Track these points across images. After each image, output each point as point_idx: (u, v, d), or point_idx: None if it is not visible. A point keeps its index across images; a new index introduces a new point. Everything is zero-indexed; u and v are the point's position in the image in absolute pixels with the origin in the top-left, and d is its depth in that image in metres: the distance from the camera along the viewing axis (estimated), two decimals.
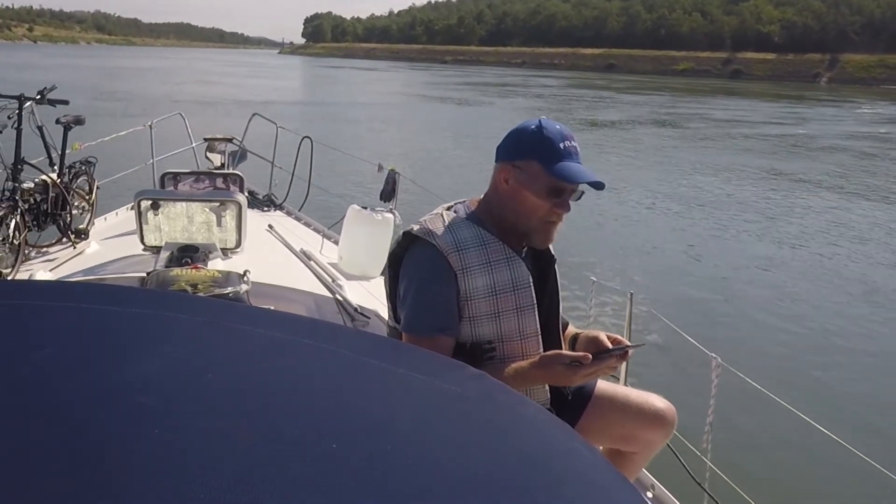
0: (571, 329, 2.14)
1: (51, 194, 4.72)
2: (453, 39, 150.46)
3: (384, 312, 2.30)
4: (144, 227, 3.95)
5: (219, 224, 4.01)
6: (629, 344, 1.90)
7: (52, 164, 5.01)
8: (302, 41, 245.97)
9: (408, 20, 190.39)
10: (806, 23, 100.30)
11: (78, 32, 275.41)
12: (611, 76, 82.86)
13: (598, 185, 1.87)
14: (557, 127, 1.89)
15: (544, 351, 1.92)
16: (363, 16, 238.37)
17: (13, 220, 4.33)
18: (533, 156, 1.86)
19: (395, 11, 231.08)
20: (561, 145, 1.85)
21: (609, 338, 1.92)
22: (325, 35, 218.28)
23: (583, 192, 1.92)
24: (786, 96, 53.19)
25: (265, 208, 5.78)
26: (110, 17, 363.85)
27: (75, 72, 40.86)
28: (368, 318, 3.33)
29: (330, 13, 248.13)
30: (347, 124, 23.07)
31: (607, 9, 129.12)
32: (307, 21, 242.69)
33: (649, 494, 2.59)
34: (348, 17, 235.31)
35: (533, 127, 1.89)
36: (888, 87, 74.34)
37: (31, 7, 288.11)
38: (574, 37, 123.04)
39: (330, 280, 3.85)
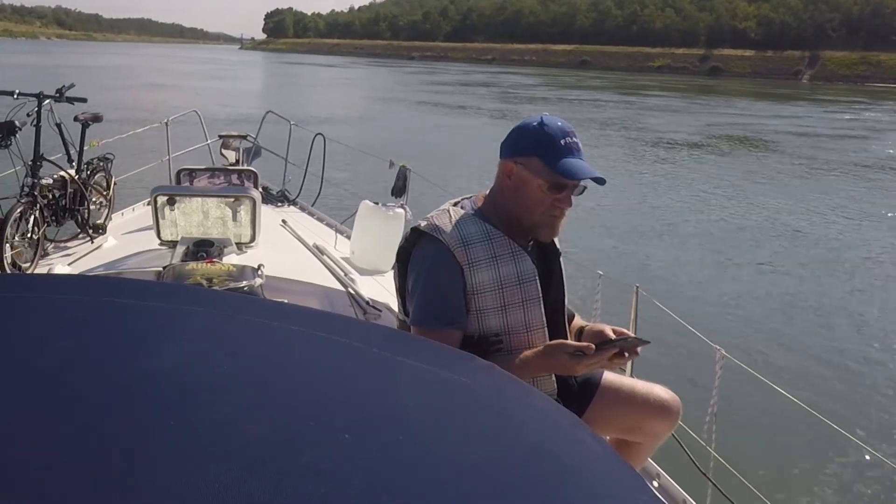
0: (578, 321, 2.17)
1: (69, 190, 4.79)
2: (418, 35, 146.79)
3: (395, 305, 2.34)
4: (161, 222, 3.99)
5: (234, 219, 4.03)
6: (631, 335, 1.94)
7: (70, 160, 5.08)
8: (262, 36, 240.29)
9: (370, 16, 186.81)
10: (783, 19, 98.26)
11: (38, 27, 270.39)
12: (587, 73, 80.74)
13: (599, 181, 1.89)
14: (559, 123, 1.91)
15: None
16: (323, 11, 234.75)
17: (32, 216, 4.39)
18: (534, 152, 1.89)
19: (356, 7, 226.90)
20: (562, 142, 1.88)
21: (614, 331, 1.96)
22: (286, 30, 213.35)
23: (585, 187, 1.94)
24: (773, 95, 51.82)
25: (279, 204, 5.84)
26: (71, 13, 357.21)
27: (17, 71, 38.14)
28: (380, 311, 3.36)
29: (291, 9, 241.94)
30: (348, 123, 22.96)
31: (576, 4, 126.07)
32: (268, 16, 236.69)
33: (655, 483, 2.62)
34: (309, 13, 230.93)
35: (535, 124, 1.91)
36: (873, 86, 72.44)
37: None
38: (542, 32, 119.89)
39: (342, 274, 3.88)
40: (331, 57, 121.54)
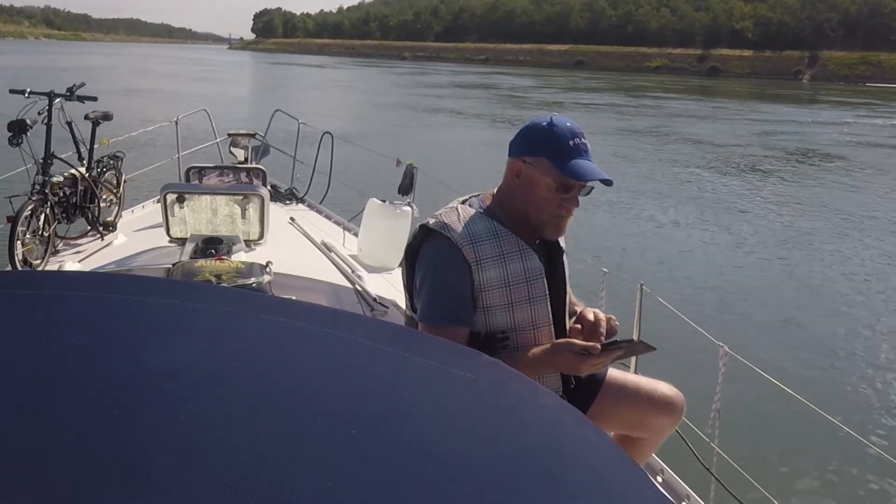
0: (572, 299, 2.18)
1: (80, 188, 4.84)
2: (409, 35, 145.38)
3: (402, 302, 2.36)
4: (170, 219, 4.02)
5: (242, 217, 4.06)
6: (636, 339, 1.97)
7: (80, 158, 5.12)
8: (250, 36, 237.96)
9: (360, 15, 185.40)
10: (780, 19, 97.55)
11: (27, 28, 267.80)
12: (583, 74, 79.36)
13: (607, 182, 1.91)
14: (568, 124, 1.92)
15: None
16: (312, 11, 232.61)
17: (43, 213, 4.44)
18: (543, 152, 1.90)
19: (345, 7, 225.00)
20: (571, 142, 1.89)
21: (608, 319, 2.00)
22: (275, 30, 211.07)
23: (592, 188, 1.95)
24: (777, 96, 51.23)
25: (287, 201, 5.87)
26: (60, 13, 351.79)
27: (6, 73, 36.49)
28: (387, 307, 3.38)
29: (279, 9, 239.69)
30: (346, 124, 22.86)
31: (570, 4, 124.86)
32: (257, 16, 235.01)
33: (659, 479, 2.63)
34: (298, 13, 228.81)
35: (544, 124, 1.92)
36: (874, 86, 71.56)
37: None
38: (536, 33, 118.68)
39: (350, 271, 3.91)
40: (321, 57, 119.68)
